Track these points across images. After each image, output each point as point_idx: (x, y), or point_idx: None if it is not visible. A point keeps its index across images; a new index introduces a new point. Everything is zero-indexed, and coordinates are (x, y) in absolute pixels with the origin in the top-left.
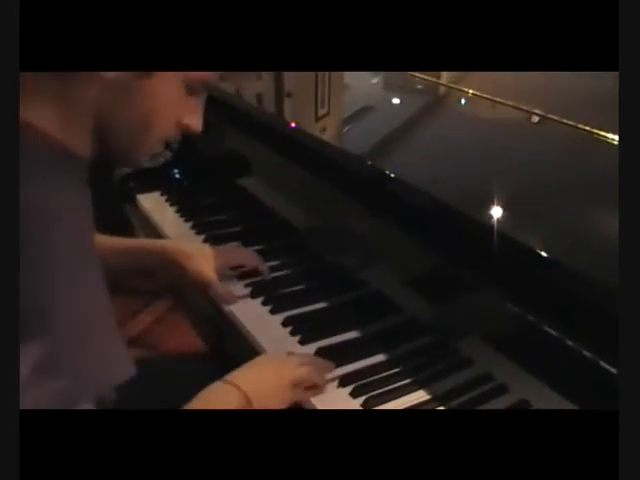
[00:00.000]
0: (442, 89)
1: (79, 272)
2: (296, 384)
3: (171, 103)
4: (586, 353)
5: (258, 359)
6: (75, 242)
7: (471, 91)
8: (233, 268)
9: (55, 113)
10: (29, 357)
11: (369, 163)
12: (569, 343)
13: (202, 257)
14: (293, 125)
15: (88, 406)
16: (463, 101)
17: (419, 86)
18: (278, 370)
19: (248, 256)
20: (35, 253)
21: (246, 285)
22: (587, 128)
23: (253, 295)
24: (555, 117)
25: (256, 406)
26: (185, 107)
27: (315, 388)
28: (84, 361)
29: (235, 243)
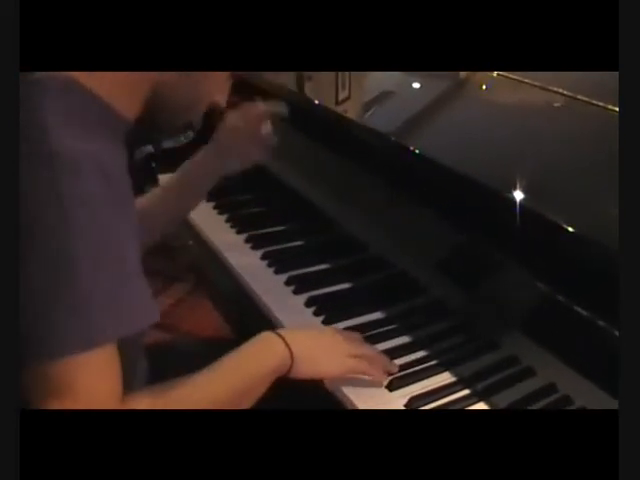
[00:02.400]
0: (462, 73)
1: (109, 219)
2: (345, 363)
3: (219, 82)
4: (618, 334)
5: (315, 327)
6: (109, 192)
7: (495, 73)
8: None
9: (113, 79)
10: (56, 296)
11: (394, 140)
12: (600, 324)
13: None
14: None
15: (111, 347)
16: (484, 86)
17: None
18: (332, 344)
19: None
20: (68, 200)
21: (269, 265)
22: (615, 108)
23: (276, 272)
24: (581, 97)
25: (295, 368)
26: (223, 86)
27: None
28: (112, 302)
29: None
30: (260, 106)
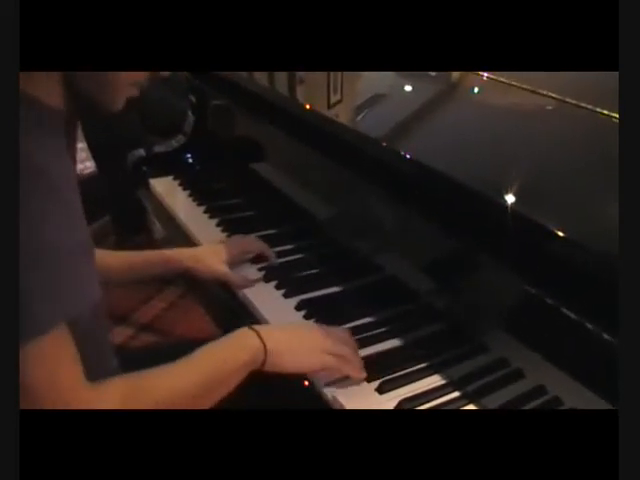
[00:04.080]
0: (455, 76)
1: (50, 207)
2: (321, 358)
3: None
4: (607, 337)
5: (294, 324)
6: (34, 181)
7: (485, 75)
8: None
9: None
10: None
11: (384, 145)
12: (589, 327)
13: (210, 255)
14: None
15: (61, 328)
16: (476, 89)
17: (432, 73)
18: (308, 339)
19: (254, 244)
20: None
21: (259, 269)
22: (605, 111)
23: (266, 279)
24: (571, 100)
25: (269, 362)
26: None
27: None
28: (47, 285)
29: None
30: (258, 244)
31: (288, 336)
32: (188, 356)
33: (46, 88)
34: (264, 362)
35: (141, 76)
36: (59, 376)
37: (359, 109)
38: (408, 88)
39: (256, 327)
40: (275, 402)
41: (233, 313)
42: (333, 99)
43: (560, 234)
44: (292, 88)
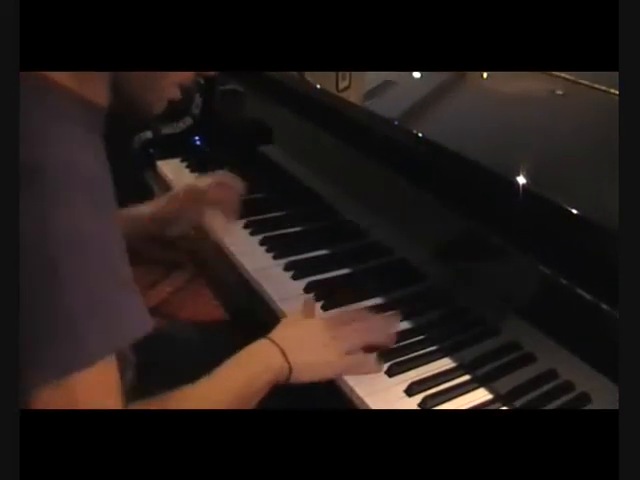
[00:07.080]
0: None
1: (94, 225)
2: (346, 352)
3: None
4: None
5: (312, 327)
6: (91, 196)
7: None
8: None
9: None
10: (44, 315)
11: (395, 123)
12: (602, 308)
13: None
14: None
15: (109, 360)
16: (485, 74)
17: None
18: (327, 343)
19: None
20: (50, 207)
21: (268, 250)
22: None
23: (275, 257)
24: (584, 82)
25: (293, 378)
26: None
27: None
28: (100, 316)
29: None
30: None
31: (308, 345)
32: (212, 376)
33: (95, 88)
34: (287, 379)
35: (186, 77)
36: (103, 405)
37: (368, 95)
38: (417, 74)
39: (276, 340)
40: (281, 388)
41: (241, 296)
42: (341, 85)
43: (574, 213)
44: (300, 75)
